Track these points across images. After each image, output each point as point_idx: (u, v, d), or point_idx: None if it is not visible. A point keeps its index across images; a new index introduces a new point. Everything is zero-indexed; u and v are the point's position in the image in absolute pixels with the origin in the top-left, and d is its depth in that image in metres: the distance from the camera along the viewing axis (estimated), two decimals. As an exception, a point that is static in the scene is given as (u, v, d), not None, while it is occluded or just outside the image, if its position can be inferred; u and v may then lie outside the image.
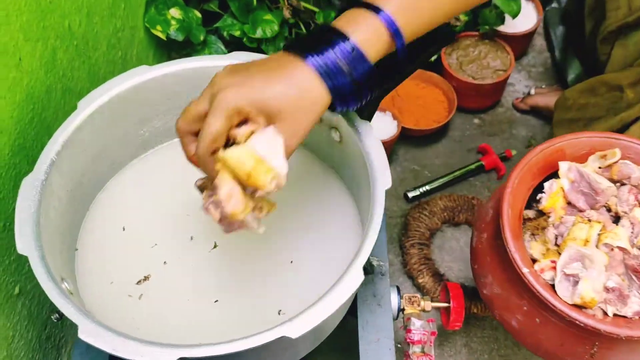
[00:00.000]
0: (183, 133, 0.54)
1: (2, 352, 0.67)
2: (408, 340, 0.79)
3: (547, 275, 0.67)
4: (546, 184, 0.72)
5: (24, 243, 0.55)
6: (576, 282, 0.65)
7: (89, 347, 0.68)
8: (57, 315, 0.58)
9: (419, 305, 0.80)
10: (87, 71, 0.84)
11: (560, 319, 0.65)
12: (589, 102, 0.99)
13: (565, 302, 0.64)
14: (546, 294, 0.63)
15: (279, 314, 0.63)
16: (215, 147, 0.51)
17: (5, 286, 0.67)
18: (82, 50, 0.81)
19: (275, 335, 0.50)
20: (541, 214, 0.74)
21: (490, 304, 0.76)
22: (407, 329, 0.79)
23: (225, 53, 1.06)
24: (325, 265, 0.67)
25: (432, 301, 0.81)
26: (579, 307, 0.64)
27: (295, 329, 0.51)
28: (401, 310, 0.78)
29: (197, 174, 0.56)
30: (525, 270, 0.65)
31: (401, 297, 0.77)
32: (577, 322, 0.62)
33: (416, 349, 0.80)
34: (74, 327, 0.88)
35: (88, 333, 0.50)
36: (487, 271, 0.75)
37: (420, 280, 1.05)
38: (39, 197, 0.58)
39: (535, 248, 0.71)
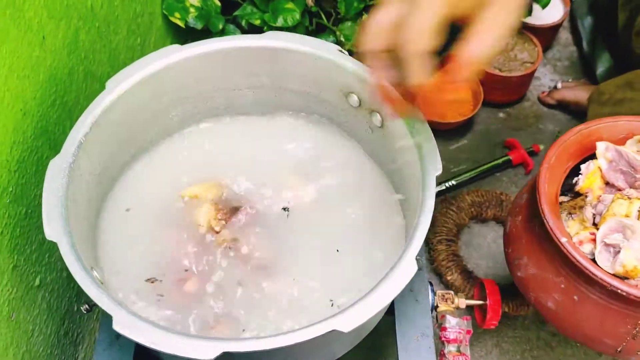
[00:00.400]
0: (371, 54, 0.44)
1: (21, 347, 0.64)
2: (443, 338, 0.76)
3: (586, 249, 0.65)
4: (583, 166, 0.71)
5: (53, 228, 0.51)
6: (617, 253, 0.63)
7: (112, 343, 0.65)
8: (87, 306, 0.54)
9: (452, 302, 0.77)
10: (108, 55, 0.81)
11: (600, 293, 0.63)
12: (625, 97, 0.96)
13: (607, 271, 0.62)
14: (586, 263, 0.61)
15: (332, 305, 0.59)
16: (424, 48, 0.42)
17: (26, 277, 0.63)
18: (103, 33, 0.78)
19: (326, 329, 0.46)
20: (577, 196, 0.72)
21: (525, 287, 0.74)
22: (442, 327, 0.76)
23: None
24: (368, 254, 0.63)
25: (466, 298, 0.78)
26: (620, 278, 0.62)
27: (347, 322, 0.47)
28: (434, 307, 0.74)
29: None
30: (563, 239, 0.63)
31: (434, 294, 0.74)
32: (619, 291, 0.60)
33: (452, 348, 0.77)
34: (91, 323, 0.86)
35: (123, 324, 0.46)
36: (522, 252, 0.73)
37: (449, 278, 1.01)
38: (66, 180, 0.54)
39: (572, 227, 0.69)
